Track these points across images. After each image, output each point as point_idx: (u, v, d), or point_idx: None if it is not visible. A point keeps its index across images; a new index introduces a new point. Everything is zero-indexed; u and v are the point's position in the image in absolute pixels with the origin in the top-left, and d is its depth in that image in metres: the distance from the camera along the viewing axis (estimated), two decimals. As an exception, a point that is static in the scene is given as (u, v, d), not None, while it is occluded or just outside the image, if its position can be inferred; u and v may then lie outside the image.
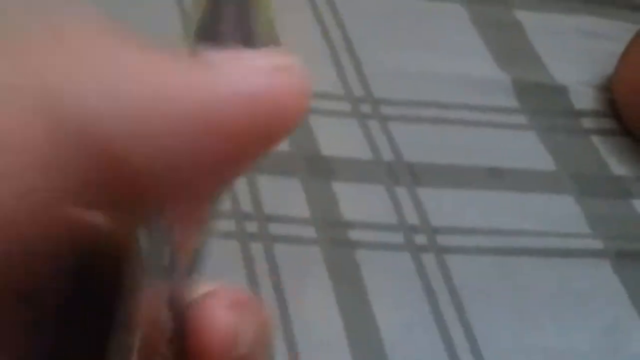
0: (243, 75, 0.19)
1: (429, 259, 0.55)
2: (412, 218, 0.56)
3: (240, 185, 0.55)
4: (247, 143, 0.19)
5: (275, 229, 0.53)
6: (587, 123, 0.67)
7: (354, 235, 0.55)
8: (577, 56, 0.71)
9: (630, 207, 0.61)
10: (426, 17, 0.71)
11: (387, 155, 0.60)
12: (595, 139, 0.66)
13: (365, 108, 0.62)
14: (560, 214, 0.60)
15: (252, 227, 0.53)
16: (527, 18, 0.73)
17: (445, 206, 0.58)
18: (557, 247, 0.58)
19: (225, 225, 0.52)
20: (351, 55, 0.65)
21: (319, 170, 0.57)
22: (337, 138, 0.60)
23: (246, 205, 0.54)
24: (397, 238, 0.55)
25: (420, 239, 0.56)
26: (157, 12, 0.63)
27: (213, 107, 0.19)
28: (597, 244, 0.58)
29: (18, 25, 0.18)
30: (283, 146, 0.59)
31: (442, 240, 0.56)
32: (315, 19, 0.67)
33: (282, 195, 0.55)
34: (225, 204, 0.53)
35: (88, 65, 0.18)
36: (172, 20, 0.63)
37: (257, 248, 0.52)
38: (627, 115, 0.66)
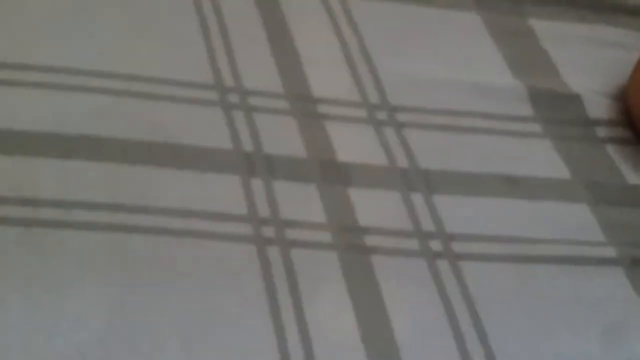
0: None
1: (444, 266, 0.55)
2: (427, 224, 0.57)
3: (258, 190, 0.55)
4: None
5: (291, 234, 0.54)
6: (602, 132, 0.67)
7: (370, 240, 0.55)
8: (591, 65, 0.71)
9: (644, 216, 0.61)
10: (442, 26, 0.71)
11: (402, 161, 0.60)
12: (610, 148, 0.66)
13: (381, 115, 0.63)
14: (575, 221, 0.60)
15: (269, 232, 0.53)
16: (541, 27, 0.73)
17: (460, 213, 0.58)
18: (571, 255, 0.58)
19: (243, 229, 0.53)
20: (367, 63, 0.65)
21: (335, 176, 0.58)
22: (353, 144, 0.60)
23: (263, 211, 0.54)
24: (412, 244, 0.56)
25: (436, 246, 0.56)
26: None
27: None
28: (610, 252, 0.58)
29: None
30: (300, 152, 0.60)
31: (457, 247, 0.56)
32: (332, 27, 0.67)
33: (299, 200, 0.56)
34: (242, 209, 0.54)
35: None
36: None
37: (273, 252, 0.52)
38: (641, 124, 0.67)
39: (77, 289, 0.48)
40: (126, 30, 0.62)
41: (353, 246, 0.54)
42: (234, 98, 0.60)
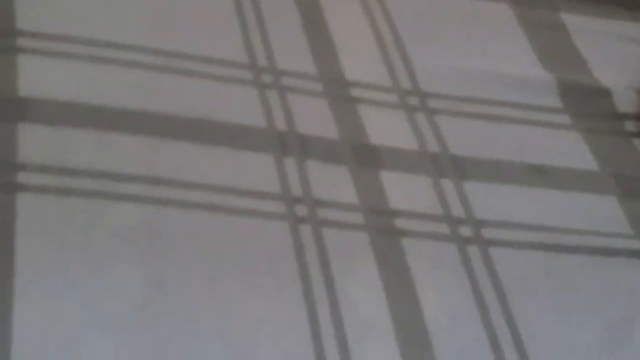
0: None
1: (473, 251, 0.55)
2: (457, 210, 0.57)
3: (291, 169, 0.56)
4: None
5: (323, 213, 0.54)
6: (630, 126, 0.67)
7: (400, 223, 0.55)
8: (621, 60, 0.71)
9: (672, 210, 0.61)
10: (473, 17, 0.71)
11: (433, 147, 0.60)
12: (638, 142, 0.66)
13: (413, 101, 0.63)
14: (603, 213, 0.60)
15: (301, 210, 0.54)
16: (572, 21, 0.73)
17: (490, 200, 0.58)
18: (600, 246, 0.58)
19: (276, 207, 0.53)
20: (400, 50, 0.66)
21: (367, 159, 0.58)
22: (385, 128, 0.61)
23: (296, 190, 0.55)
24: (443, 228, 0.56)
25: (465, 231, 0.56)
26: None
27: None
28: (638, 245, 0.58)
29: None
30: (332, 134, 0.60)
31: (487, 233, 0.56)
32: (366, 14, 0.68)
33: (331, 181, 0.56)
34: (275, 187, 0.54)
35: None
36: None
37: (306, 231, 0.53)
38: (669, 119, 0.67)
39: (114, 261, 0.48)
40: (165, 8, 0.62)
41: (384, 228, 0.54)
42: (267, 78, 0.60)
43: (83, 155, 0.51)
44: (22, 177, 0.49)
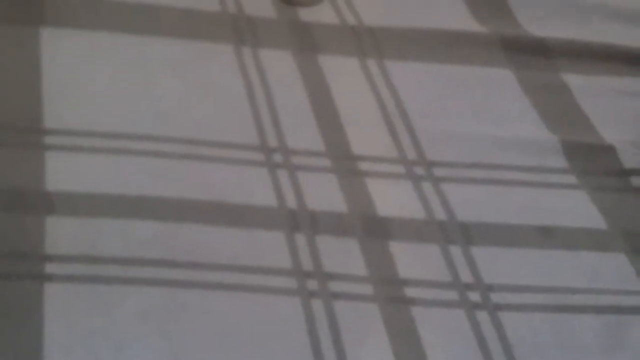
0: None
1: (483, 316, 0.56)
2: (466, 276, 0.58)
3: (301, 245, 0.58)
4: None
5: (334, 286, 0.56)
6: (637, 181, 0.68)
7: (410, 292, 0.57)
8: (624, 116, 0.73)
9: (682, 265, 0.62)
10: (476, 83, 0.73)
11: (440, 215, 0.62)
12: (645, 197, 0.67)
13: (419, 170, 0.65)
14: (612, 271, 0.61)
15: (312, 285, 0.56)
16: (573, 80, 0.75)
17: (498, 264, 0.60)
18: (610, 305, 0.59)
19: (288, 282, 0.56)
20: (405, 121, 0.68)
21: (375, 230, 0.60)
22: (393, 199, 0.63)
23: (307, 264, 0.57)
24: (452, 295, 0.57)
25: (474, 296, 0.57)
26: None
27: None
28: (650, 301, 0.59)
29: None
30: (341, 208, 0.62)
31: (496, 297, 0.57)
32: (370, 88, 0.70)
33: (341, 254, 0.58)
34: (287, 263, 0.56)
35: None
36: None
37: (317, 305, 0.55)
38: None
39: (135, 341, 0.51)
40: (179, 97, 0.66)
41: (394, 298, 0.56)
42: (278, 158, 0.64)
43: (106, 243, 0.55)
44: (50, 268, 0.53)
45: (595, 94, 0.74)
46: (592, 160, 0.69)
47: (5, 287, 0.51)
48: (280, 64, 0.71)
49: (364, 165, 0.65)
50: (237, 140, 0.64)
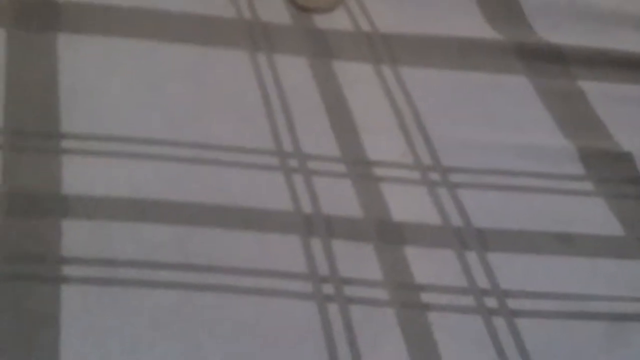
0: None
1: (499, 322, 0.56)
2: (482, 282, 0.58)
3: (317, 250, 0.58)
4: None
5: (350, 291, 0.56)
6: (654, 189, 0.68)
7: (426, 297, 0.56)
8: (641, 123, 0.72)
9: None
10: (491, 90, 0.73)
11: (456, 220, 0.62)
12: (663, 204, 0.66)
13: (434, 176, 0.65)
14: (630, 278, 0.61)
15: (328, 289, 0.56)
16: (589, 87, 0.75)
17: (515, 270, 0.59)
18: (628, 312, 0.58)
19: (304, 287, 0.55)
20: (420, 128, 0.68)
21: (391, 235, 0.60)
22: (408, 205, 0.63)
23: (323, 269, 0.57)
24: (468, 301, 0.57)
25: (491, 302, 0.57)
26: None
27: None
28: (667, 309, 0.58)
29: None
30: (356, 213, 0.62)
31: (513, 303, 0.57)
32: (385, 95, 0.70)
33: (356, 259, 0.58)
34: (302, 268, 0.56)
35: None
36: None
37: (333, 309, 0.54)
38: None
39: (151, 343, 0.51)
40: (194, 102, 0.67)
41: (410, 303, 0.56)
42: (293, 163, 0.64)
43: (122, 246, 0.55)
44: (66, 270, 0.53)
45: (611, 100, 0.74)
46: (609, 167, 0.69)
47: (23, 289, 0.52)
48: (295, 70, 0.71)
49: (379, 171, 0.65)
50: (252, 145, 0.64)
